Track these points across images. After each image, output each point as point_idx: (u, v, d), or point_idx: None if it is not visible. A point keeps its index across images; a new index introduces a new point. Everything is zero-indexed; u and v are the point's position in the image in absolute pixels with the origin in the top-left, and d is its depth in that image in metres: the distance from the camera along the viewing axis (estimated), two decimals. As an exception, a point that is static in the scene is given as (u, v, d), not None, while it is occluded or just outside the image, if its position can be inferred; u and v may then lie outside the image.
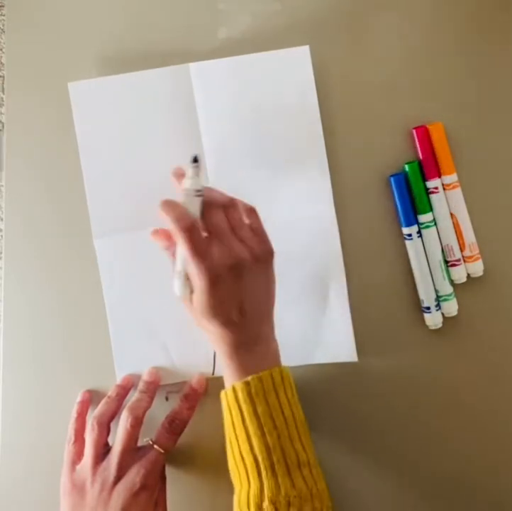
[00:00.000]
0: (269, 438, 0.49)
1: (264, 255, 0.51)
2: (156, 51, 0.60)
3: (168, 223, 0.49)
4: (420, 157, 0.59)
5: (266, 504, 0.48)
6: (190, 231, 0.48)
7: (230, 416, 0.51)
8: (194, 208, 0.50)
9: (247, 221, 0.52)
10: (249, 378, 0.50)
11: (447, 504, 0.58)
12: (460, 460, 0.59)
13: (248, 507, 0.49)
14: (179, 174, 0.53)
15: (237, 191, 0.59)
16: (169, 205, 0.49)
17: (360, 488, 0.58)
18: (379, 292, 0.59)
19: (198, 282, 0.49)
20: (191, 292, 0.51)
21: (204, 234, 0.50)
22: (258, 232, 0.52)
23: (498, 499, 0.58)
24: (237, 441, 0.50)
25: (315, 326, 0.59)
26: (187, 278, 0.50)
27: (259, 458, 0.49)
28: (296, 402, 0.52)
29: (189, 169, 0.50)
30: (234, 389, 0.50)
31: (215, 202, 0.51)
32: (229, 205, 0.51)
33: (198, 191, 0.50)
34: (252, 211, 0.53)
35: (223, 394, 0.52)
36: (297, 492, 0.48)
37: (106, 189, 0.60)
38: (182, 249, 0.49)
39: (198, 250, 0.48)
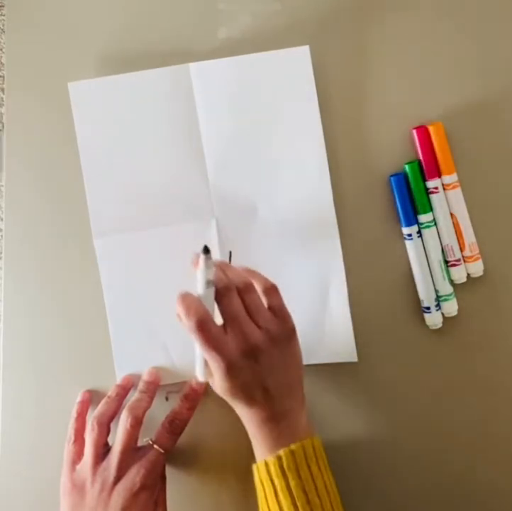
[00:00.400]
0: None
1: (283, 335, 0.51)
2: (156, 51, 0.60)
3: (181, 314, 0.49)
4: (420, 157, 0.59)
5: None
6: (201, 324, 0.48)
7: (263, 491, 0.50)
8: (209, 298, 0.50)
9: (265, 300, 0.52)
10: (281, 452, 0.49)
11: (447, 504, 0.58)
12: (461, 459, 0.59)
13: None
14: (196, 262, 0.53)
15: (237, 191, 0.59)
16: (182, 298, 0.49)
17: (360, 488, 0.58)
18: (379, 292, 0.59)
19: (216, 371, 0.49)
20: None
21: (220, 321, 0.50)
22: (277, 311, 0.52)
23: (498, 496, 0.58)
24: None
25: (315, 326, 0.59)
26: (207, 363, 0.51)
27: None
28: (329, 474, 0.52)
29: (201, 263, 0.50)
30: (266, 464, 0.50)
31: (230, 286, 0.51)
32: (244, 289, 0.51)
33: (210, 282, 0.50)
34: (271, 290, 0.52)
35: (254, 467, 0.51)
36: None
37: (106, 189, 0.60)
38: (195, 341, 0.49)
39: (212, 341, 0.49)
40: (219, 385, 0.50)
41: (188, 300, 0.49)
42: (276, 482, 0.49)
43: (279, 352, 0.51)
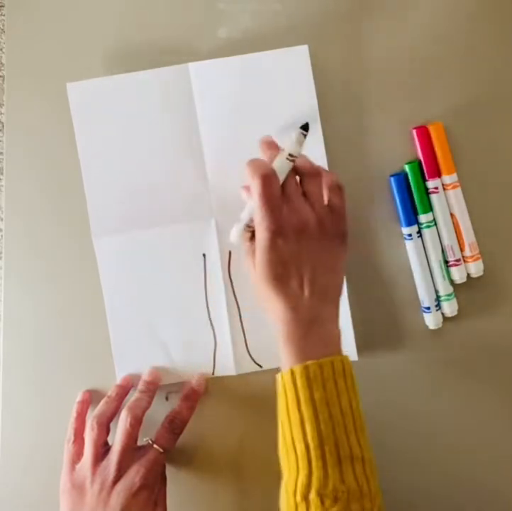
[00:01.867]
0: (324, 427, 0.46)
1: (334, 232, 0.50)
2: (156, 51, 0.60)
3: (248, 172, 0.49)
4: (420, 157, 0.59)
5: (312, 495, 0.45)
6: (267, 180, 0.48)
7: (285, 400, 0.48)
8: (282, 171, 0.50)
9: (327, 195, 0.51)
10: (308, 362, 0.47)
11: (447, 504, 0.58)
12: (461, 460, 0.59)
13: (294, 496, 0.46)
14: (269, 144, 0.53)
15: (237, 191, 0.59)
16: (252, 160, 0.49)
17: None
18: (379, 292, 0.59)
19: (262, 233, 0.48)
20: (250, 241, 0.50)
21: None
22: (335, 210, 0.51)
23: (498, 496, 0.58)
24: (290, 425, 0.47)
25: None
26: (245, 228, 0.50)
27: (311, 446, 0.46)
28: (356, 395, 0.49)
29: (294, 134, 0.50)
30: (292, 372, 0.48)
31: (298, 169, 0.51)
32: (311, 173, 0.51)
33: (293, 157, 0.50)
34: (336, 187, 0.51)
35: (278, 376, 0.49)
36: (346, 488, 0.46)
37: (105, 189, 0.59)
38: (254, 196, 0.49)
39: (270, 200, 0.48)
40: (260, 256, 0.49)
41: (258, 161, 0.50)
42: (301, 391, 0.47)
43: (326, 246, 0.50)
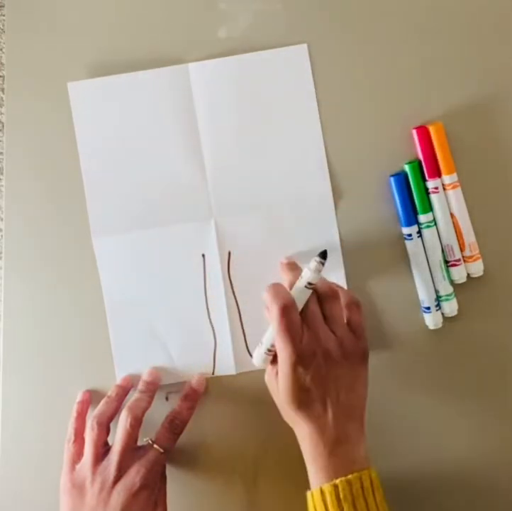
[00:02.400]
0: None
1: (356, 352, 0.52)
2: (156, 51, 0.60)
3: (267, 300, 0.50)
4: (420, 157, 0.58)
5: None
6: (287, 308, 0.49)
7: None
8: (301, 298, 0.51)
9: (346, 314, 0.53)
10: (337, 481, 0.48)
11: (447, 502, 0.58)
12: (461, 461, 0.59)
13: None
14: (291, 266, 0.55)
15: (236, 191, 0.59)
16: (272, 285, 0.51)
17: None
18: (379, 292, 0.59)
19: (283, 361, 0.49)
20: (272, 363, 0.52)
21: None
22: (355, 327, 0.52)
23: (498, 496, 0.58)
24: None
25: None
26: (267, 352, 0.52)
27: None
28: (384, 507, 0.50)
29: (313, 263, 0.51)
30: (322, 492, 0.49)
31: (318, 292, 0.52)
32: (330, 296, 0.52)
33: (312, 285, 0.51)
34: (354, 305, 0.53)
35: (308, 494, 0.50)
36: None
37: (105, 189, 0.60)
38: (274, 323, 0.50)
39: (290, 329, 0.49)
40: (282, 382, 0.50)
41: (277, 288, 0.50)
42: (331, 510, 0.48)
43: (348, 368, 0.51)
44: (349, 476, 0.48)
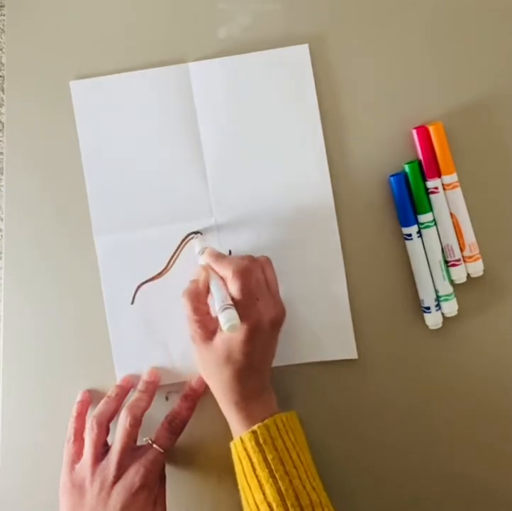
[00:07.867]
0: (282, 484, 0.50)
1: (278, 318, 0.54)
2: (156, 50, 0.60)
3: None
4: (420, 157, 0.58)
5: None
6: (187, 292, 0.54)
7: (241, 467, 0.52)
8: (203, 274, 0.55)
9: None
10: (255, 427, 0.51)
11: (446, 503, 0.58)
12: (462, 459, 0.59)
13: None
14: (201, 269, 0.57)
15: (236, 191, 0.59)
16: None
17: (360, 487, 0.58)
18: (379, 292, 0.59)
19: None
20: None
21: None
22: (273, 291, 0.55)
23: (497, 495, 0.58)
24: (250, 490, 0.51)
25: (315, 324, 0.59)
26: (226, 307, 0.52)
27: (274, 506, 0.49)
28: (303, 445, 0.53)
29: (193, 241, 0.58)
30: (242, 440, 0.51)
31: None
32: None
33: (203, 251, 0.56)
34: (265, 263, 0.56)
35: (232, 444, 0.53)
36: None
37: (107, 188, 0.60)
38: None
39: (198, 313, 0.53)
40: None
41: (188, 293, 0.54)
42: (254, 457, 0.51)
43: (273, 335, 0.54)
44: (266, 421, 0.52)
